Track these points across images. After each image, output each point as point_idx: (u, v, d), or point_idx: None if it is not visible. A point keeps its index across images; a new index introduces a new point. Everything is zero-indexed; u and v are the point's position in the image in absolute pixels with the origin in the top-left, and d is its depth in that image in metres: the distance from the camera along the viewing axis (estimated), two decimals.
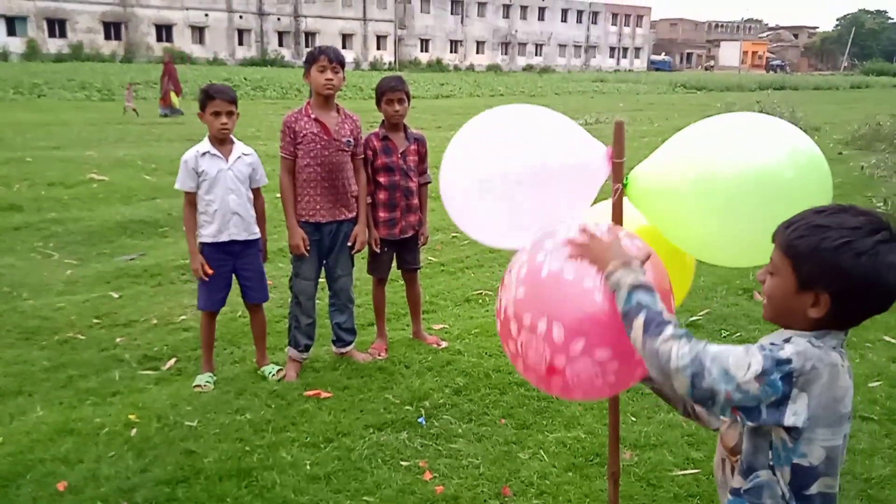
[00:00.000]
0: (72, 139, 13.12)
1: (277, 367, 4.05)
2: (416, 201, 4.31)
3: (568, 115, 2.20)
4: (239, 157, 3.87)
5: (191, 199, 3.82)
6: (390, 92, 4.14)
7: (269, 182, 4.14)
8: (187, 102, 18.69)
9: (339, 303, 4.23)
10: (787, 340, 1.47)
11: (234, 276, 4.00)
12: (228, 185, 3.81)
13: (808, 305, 1.46)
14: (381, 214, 4.24)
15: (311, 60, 3.94)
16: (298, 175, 3.99)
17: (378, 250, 4.30)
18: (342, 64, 3.98)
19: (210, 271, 3.82)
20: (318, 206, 4.01)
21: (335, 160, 3.98)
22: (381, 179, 4.20)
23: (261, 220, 4.01)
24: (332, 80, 3.91)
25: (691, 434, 3.46)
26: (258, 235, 3.98)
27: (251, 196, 3.94)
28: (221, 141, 3.82)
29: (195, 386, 3.85)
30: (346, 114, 4.08)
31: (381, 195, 4.22)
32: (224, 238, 3.83)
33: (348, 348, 4.27)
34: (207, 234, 3.83)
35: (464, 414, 3.65)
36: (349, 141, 4.02)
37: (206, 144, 3.80)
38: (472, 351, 4.39)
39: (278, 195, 4.18)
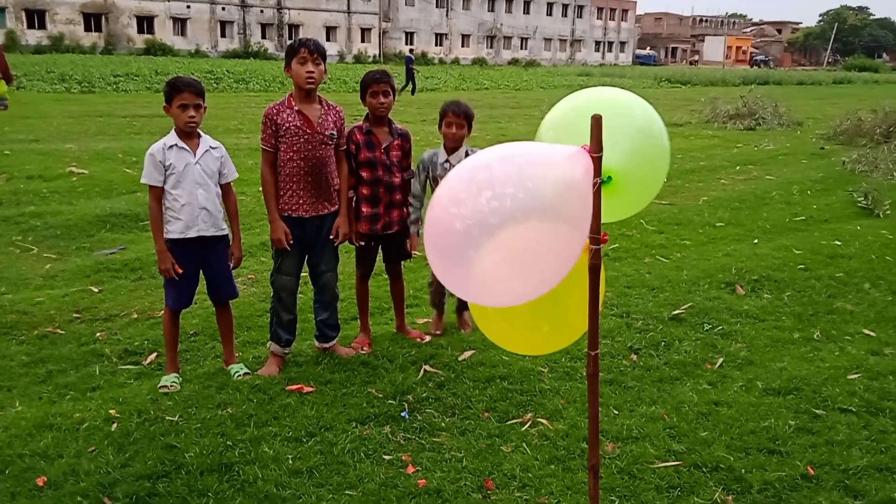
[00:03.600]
0: (51, 132, 12.95)
1: (244, 370, 3.96)
2: (399, 196, 4.27)
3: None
4: (206, 151, 3.76)
5: (157, 193, 3.69)
6: (375, 84, 4.09)
7: (238, 176, 4.01)
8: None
9: (323, 299, 4.19)
10: None
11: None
12: (196, 180, 3.69)
13: None
14: (364, 210, 4.21)
15: (291, 53, 3.86)
16: (281, 169, 3.92)
17: (358, 244, 4.28)
18: (323, 56, 3.90)
19: (180, 270, 3.73)
20: (300, 201, 3.95)
21: (318, 154, 3.91)
22: (364, 174, 4.16)
23: (233, 217, 3.92)
24: (313, 72, 3.82)
25: (673, 427, 3.48)
26: (226, 231, 3.88)
27: (219, 192, 3.83)
28: (188, 134, 3.72)
29: (161, 387, 3.75)
30: (328, 105, 4.00)
31: (364, 190, 4.18)
32: (192, 234, 3.72)
33: (331, 343, 4.25)
34: (175, 230, 3.71)
35: (447, 408, 3.65)
36: (332, 134, 3.96)
37: (172, 137, 3.70)
38: (456, 345, 4.39)
39: (261, 188, 4.13)
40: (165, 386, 3.76)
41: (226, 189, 3.87)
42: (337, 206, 4.07)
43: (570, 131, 2.06)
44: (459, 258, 1.89)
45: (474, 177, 1.90)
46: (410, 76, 26.74)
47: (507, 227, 1.83)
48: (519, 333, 2.31)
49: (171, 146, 3.67)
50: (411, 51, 35.85)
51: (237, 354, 4.15)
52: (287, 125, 3.86)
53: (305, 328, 4.62)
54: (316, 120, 3.90)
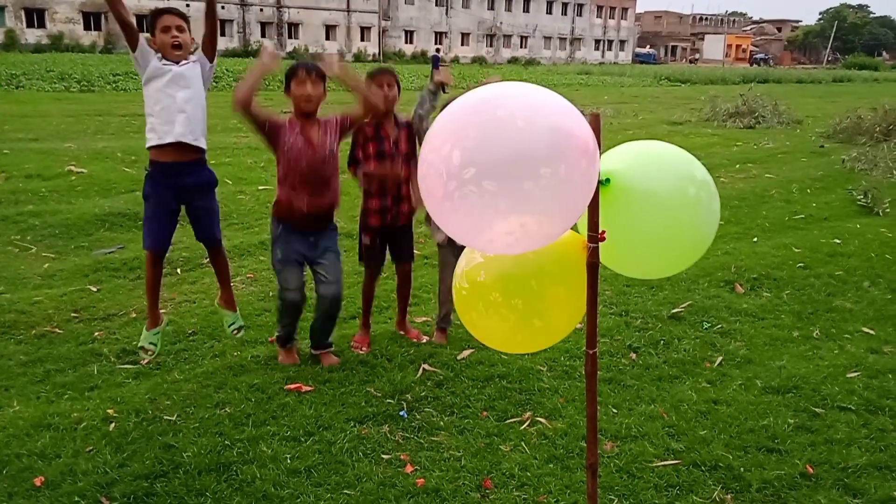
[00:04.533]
0: (50, 131, 12.93)
1: (240, 322, 3.87)
2: (406, 190, 4.27)
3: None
4: (190, 62, 3.66)
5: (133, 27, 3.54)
6: (380, 76, 4.12)
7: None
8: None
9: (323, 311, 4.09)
10: None
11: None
12: (177, 82, 3.58)
13: None
14: (373, 203, 4.21)
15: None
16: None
17: (364, 241, 4.27)
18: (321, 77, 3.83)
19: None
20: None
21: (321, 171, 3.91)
22: (372, 167, 4.17)
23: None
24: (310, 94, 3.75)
25: (672, 425, 3.48)
26: (204, 146, 3.73)
27: (204, 102, 3.69)
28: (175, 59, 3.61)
29: (140, 347, 3.66)
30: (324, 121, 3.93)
31: (373, 185, 4.19)
32: (169, 139, 3.58)
33: (324, 350, 4.19)
34: (152, 137, 3.60)
35: (445, 407, 3.65)
36: (332, 150, 3.92)
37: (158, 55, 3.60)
38: (455, 344, 4.39)
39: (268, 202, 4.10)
40: (144, 347, 3.68)
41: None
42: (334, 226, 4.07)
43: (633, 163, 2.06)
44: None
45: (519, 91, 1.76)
46: None
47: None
48: (504, 330, 2.25)
49: (156, 56, 3.61)
50: (438, 50, 37.04)
51: (236, 354, 4.13)
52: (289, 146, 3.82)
53: (303, 327, 4.61)
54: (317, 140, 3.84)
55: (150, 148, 3.66)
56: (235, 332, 3.91)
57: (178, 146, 3.63)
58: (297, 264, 3.97)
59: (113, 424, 3.37)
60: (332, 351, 4.19)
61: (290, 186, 3.86)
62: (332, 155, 3.92)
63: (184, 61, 3.63)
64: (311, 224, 3.91)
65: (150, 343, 3.75)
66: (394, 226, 4.26)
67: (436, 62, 28.63)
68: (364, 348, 4.30)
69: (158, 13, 3.59)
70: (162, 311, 4.68)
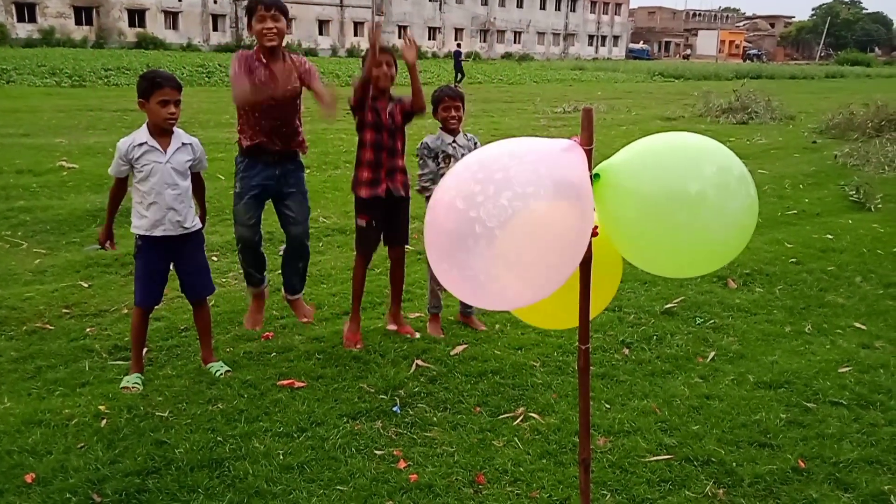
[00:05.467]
0: (41, 126, 12.86)
1: (225, 368, 3.90)
2: (401, 163, 4.26)
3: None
4: (179, 148, 3.64)
5: (119, 183, 3.71)
6: (380, 55, 4.15)
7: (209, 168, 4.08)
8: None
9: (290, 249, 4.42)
10: None
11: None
12: (165, 180, 3.59)
13: None
14: (364, 174, 4.20)
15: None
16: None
17: (363, 224, 4.27)
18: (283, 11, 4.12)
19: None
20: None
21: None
22: (368, 136, 4.17)
23: (200, 196, 3.87)
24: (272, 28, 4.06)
25: (664, 420, 3.49)
26: (197, 226, 3.79)
27: (189, 185, 3.72)
28: (163, 131, 3.59)
29: (123, 387, 3.67)
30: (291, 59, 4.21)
31: (367, 154, 4.18)
32: (158, 233, 3.65)
33: (297, 296, 4.46)
34: (141, 225, 3.66)
35: (439, 402, 3.65)
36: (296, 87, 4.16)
37: (143, 134, 3.58)
38: (448, 339, 4.39)
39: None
40: (127, 387, 3.68)
41: (196, 177, 3.79)
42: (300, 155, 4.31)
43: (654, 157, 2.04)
44: (475, 262, 1.84)
45: (490, 177, 1.85)
46: (459, 68, 31.17)
47: (526, 225, 1.82)
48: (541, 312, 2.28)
49: (140, 144, 3.57)
50: (459, 45, 40.39)
51: (229, 349, 4.12)
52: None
53: (297, 323, 4.60)
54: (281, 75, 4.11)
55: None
56: (226, 373, 3.88)
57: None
58: (255, 199, 4.19)
59: (104, 421, 3.36)
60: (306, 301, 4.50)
61: (252, 122, 4.06)
62: (294, 90, 4.10)
63: (171, 147, 3.62)
64: (276, 158, 4.13)
65: (134, 384, 3.71)
66: (387, 199, 4.23)
67: (458, 56, 31.01)
68: (357, 345, 4.28)
69: (157, 84, 3.51)
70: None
